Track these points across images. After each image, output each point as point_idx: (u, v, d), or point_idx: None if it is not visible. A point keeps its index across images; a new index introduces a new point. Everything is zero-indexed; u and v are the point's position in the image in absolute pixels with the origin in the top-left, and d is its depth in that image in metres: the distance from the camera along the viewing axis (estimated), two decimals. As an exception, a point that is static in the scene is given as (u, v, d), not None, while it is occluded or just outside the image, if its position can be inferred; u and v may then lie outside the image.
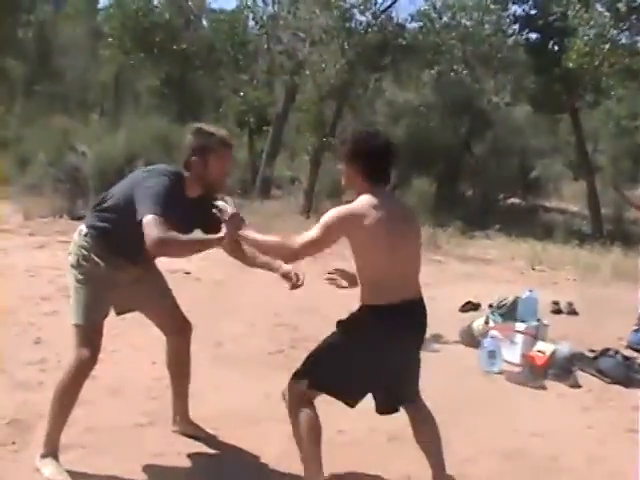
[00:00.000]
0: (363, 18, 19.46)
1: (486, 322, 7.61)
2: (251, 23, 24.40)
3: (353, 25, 19.37)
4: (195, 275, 9.75)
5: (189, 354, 4.74)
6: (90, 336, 4.15)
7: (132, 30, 25.68)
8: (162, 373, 5.00)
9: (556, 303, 9.64)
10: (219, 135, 4.22)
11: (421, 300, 4.01)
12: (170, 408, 4.94)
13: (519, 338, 7.23)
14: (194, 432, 4.90)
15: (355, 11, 19.43)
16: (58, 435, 4.24)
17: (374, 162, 3.89)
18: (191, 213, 4.14)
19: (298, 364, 6.36)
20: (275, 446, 4.81)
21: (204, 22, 28.32)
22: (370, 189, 3.85)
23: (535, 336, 7.28)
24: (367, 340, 3.78)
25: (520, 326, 7.29)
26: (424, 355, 4.18)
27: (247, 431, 5.05)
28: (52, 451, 4.22)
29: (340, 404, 4.03)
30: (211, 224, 4.05)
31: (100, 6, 40.57)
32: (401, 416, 4.22)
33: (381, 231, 3.72)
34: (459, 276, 11.71)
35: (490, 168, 24.29)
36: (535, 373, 6.74)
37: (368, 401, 4.09)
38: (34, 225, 13.31)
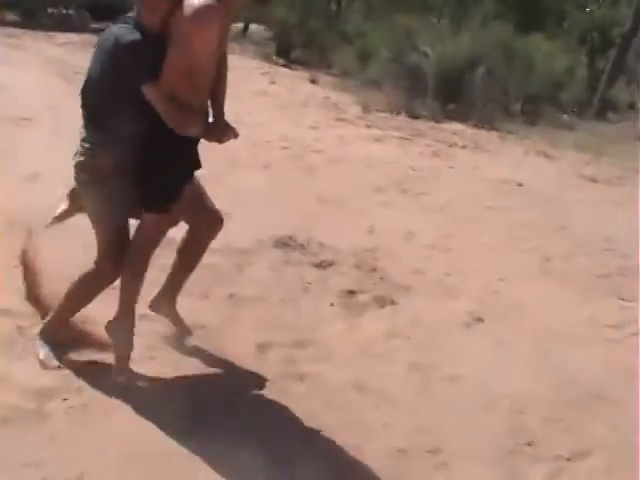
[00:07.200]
0: None
1: None
2: None
3: None
4: (527, 187, 9.50)
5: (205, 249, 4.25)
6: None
7: None
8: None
9: None
10: None
11: None
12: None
13: None
14: (172, 319, 4.39)
15: None
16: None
17: None
18: None
19: (628, 293, 6.26)
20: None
21: None
22: None
23: None
24: None
25: None
26: None
27: (568, 354, 4.98)
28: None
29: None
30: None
31: None
32: None
33: None
34: None
35: None
36: None
37: None
38: (372, 118, 13.65)
